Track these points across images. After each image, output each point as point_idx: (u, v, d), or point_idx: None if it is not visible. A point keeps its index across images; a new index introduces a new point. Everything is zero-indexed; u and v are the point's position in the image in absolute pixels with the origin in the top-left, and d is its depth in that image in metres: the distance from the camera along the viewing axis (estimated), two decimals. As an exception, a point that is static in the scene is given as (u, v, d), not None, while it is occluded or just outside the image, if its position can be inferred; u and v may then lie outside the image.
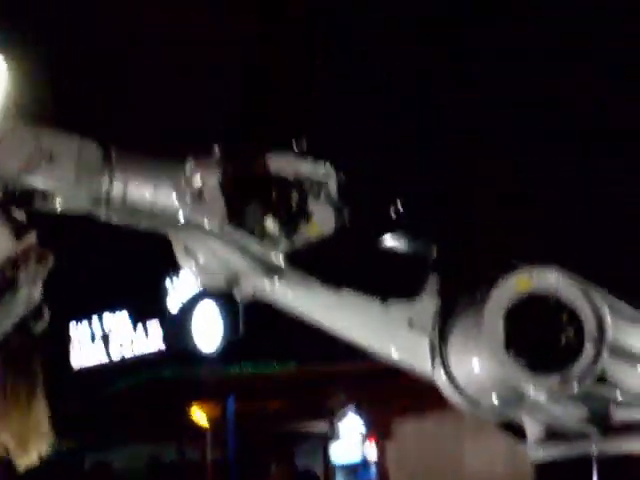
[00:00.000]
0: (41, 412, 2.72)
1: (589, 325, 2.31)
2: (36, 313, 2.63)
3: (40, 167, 2.49)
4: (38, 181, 2.50)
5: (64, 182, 2.54)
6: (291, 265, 2.70)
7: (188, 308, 12.31)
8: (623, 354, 2.38)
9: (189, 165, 2.61)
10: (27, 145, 2.51)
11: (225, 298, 12.56)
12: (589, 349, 2.27)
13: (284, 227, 2.54)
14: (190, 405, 11.53)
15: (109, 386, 12.13)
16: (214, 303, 12.19)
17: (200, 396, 11.47)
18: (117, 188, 2.53)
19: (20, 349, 2.71)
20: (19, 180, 2.48)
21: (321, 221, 2.66)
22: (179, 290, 12.42)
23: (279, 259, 2.72)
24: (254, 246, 2.70)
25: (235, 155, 2.66)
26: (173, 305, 12.51)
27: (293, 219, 2.53)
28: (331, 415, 11.20)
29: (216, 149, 2.62)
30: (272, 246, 2.71)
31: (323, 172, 2.68)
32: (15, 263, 2.47)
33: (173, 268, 11.67)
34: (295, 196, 2.51)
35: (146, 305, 13.25)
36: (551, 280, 2.41)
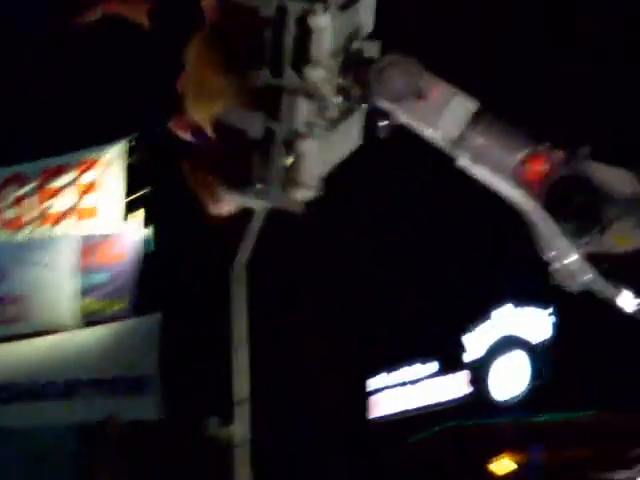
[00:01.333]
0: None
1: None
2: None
3: (407, 101, 2.94)
4: (401, 113, 2.94)
5: (427, 120, 2.96)
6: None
7: (489, 358, 12.78)
8: None
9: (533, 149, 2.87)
10: (406, 78, 2.96)
11: (531, 346, 13.02)
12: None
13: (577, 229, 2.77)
14: (494, 453, 11.78)
15: (414, 433, 12.80)
16: (522, 351, 12.59)
17: (504, 444, 11.68)
18: (476, 140, 2.89)
19: None
20: (386, 105, 2.94)
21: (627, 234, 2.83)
22: (476, 344, 13.09)
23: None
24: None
25: (568, 159, 2.88)
26: (472, 357, 12.98)
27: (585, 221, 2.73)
28: (636, 464, 10.97)
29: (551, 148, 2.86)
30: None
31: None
32: None
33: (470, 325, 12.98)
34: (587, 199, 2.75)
35: (449, 357, 13.66)
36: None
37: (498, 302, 13.04)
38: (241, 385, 9.35)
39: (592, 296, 3.15)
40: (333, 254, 13.35)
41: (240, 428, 9.36)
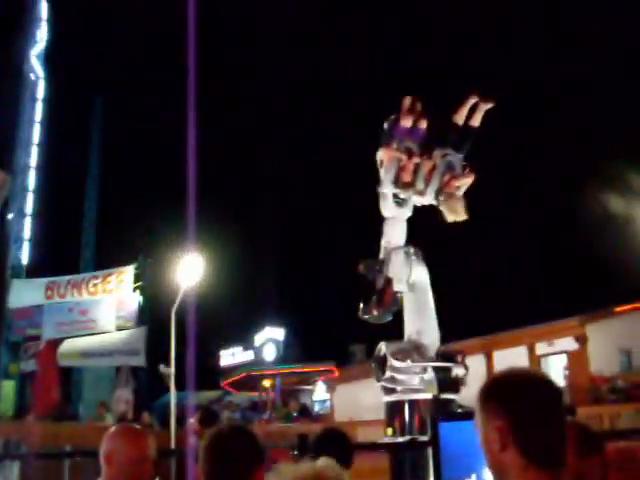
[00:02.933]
0: None
1: None
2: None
3: None
4: None
5: None
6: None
7: (264, 344, 32.29)
8: None
9: None
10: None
11: (277, 341, 32.55)
12: None
13: None
14: (262, 379, 31.23)
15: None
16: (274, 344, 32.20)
17: (267, 378, 31.13)
18: None
19: None
20: None
21: None
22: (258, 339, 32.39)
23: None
24: None
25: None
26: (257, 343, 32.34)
27: None
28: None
29: None
30: None
31: None
32: None
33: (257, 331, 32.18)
34: None
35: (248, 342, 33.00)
36: None
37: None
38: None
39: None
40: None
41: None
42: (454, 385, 9.57)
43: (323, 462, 1.98)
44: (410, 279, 9.84)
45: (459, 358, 9.66)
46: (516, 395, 2.22)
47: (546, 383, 2.28)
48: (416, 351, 9.72)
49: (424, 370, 9.47)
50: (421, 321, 9.86)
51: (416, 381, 9.58)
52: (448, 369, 9.58)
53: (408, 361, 9.46)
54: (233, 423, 11.34)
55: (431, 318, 9.92)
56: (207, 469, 2.90)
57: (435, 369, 9.50)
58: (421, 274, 9.93)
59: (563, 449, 2.20)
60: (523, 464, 2.16)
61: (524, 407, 2.19)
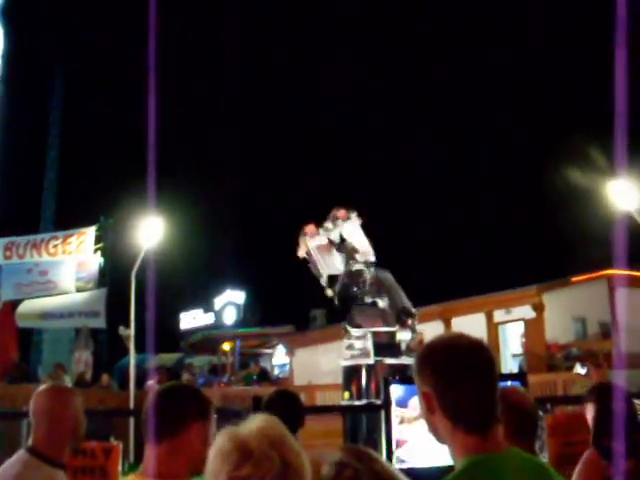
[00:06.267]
0: None
1: None
2: None
3: None
4: None
5: None
6: None
7: (223, 307, 32.47)
8: None
9: None
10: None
11: (238, 304, 32.83)
12: None
13: None
14: (224, 341, 31.43)
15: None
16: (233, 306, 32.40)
17: (228, 339, 31.26)
18: None
19: None
20: None
21: None
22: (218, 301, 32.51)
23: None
24: None
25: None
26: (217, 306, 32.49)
27: None
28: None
29: None
30: None
31: None
32: None
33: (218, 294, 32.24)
34: None
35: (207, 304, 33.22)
36: None
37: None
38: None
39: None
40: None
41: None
42: (394, 349, 9.78)
43: (265, 418, 2.01)
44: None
45: (409, 322, 9.85)
46: (442, 362, 2.26)
47: (476, 349, 2.30)
48: (381, 317, 9.92)
49: (365, 336, 9.69)
50: (389, 296, 10.11)
51: (366, 346, 9.79)
52: (391, 334, 9.78)
53: (355, 328, 9.66)
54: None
55: (398, 292, 10.21)
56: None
57: (376, 334, 9.70)
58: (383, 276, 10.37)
59: (492, 413, 2.24)
60: (450, 427, 2.22)
61: (448, 373, 2.23)
